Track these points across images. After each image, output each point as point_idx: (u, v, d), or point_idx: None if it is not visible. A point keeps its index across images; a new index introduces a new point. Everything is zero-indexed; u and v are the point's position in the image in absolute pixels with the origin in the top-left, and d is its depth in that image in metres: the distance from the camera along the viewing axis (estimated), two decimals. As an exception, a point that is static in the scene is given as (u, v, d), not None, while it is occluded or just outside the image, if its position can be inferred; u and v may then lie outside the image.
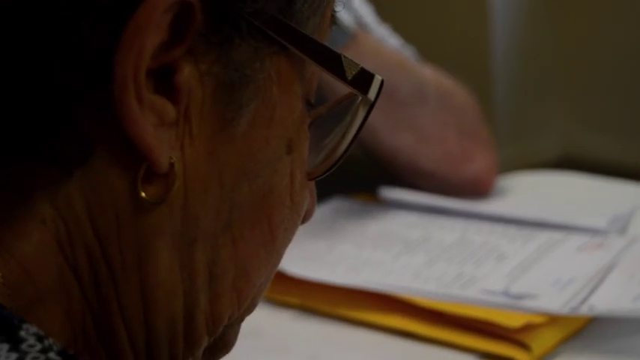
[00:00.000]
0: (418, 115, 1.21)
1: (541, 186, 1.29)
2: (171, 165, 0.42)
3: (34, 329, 0.41)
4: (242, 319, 0.50)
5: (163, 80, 0.42)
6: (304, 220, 0.51)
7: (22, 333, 0.40)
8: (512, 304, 0.88)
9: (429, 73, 1.25)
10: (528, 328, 0.85)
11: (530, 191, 1.25)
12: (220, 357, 0.51)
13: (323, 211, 1.09)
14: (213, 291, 0.46)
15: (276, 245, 0.48)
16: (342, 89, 0.47)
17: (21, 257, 0.43)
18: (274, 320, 0.92)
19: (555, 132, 3.79)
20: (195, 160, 0.43)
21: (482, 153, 1.24)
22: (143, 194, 0.42)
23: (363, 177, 1.27)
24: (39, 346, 0.40)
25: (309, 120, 0.48)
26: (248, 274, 0.47)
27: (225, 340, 0.50)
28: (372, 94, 0.47)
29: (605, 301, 0.87)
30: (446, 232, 1.07)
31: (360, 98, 0.47)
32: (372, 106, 0.47)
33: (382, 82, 0.47)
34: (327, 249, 1.02)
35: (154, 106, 0.41)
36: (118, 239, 0.43)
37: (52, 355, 0.40)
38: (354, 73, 0.46)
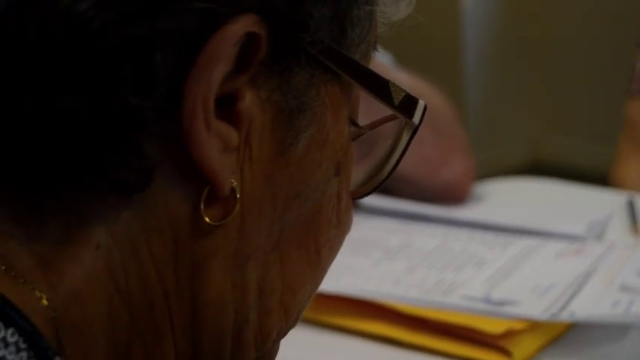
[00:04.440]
0: None
1: (518, 192, 1.31)
2: (232, 189, 0.43)
3: None
4: (286, 333, 0.50)
5: (225, 107, 0.43)
6: None
7: None
8: (493, 311, 0.88)
9: (404, 77, 1.26)
10: (509, 334, 0.85)
11: (507, 198, 1.26)
12: None
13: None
14: (263, 307, 0.47)
15: (321, 264, 0.49)
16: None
17: (70, 281, 0.43)
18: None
19: (524, 138, 3.82)
20: (252, 184, 0.44)
21: (459, 157, 1.25)
22: (207, 219, 0.43)
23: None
24: None
25: (353, 137, 0.49)
26: (294, 291, 0.48)
27: (269, 356, 0.51)
28: (416, 118, 0.48)
29: (585, 307, 0.88)
30: (425, 238, 1.08)
31: (405, 122, 0.49)
32: (416, 129, 0.49)
33: (425, 107, 0.48)
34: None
35: (219, 133, 0.42)
36: (174, 261, 0.44)
37: None
38: (400, 98, 0.47)
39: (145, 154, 0.42)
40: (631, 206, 1.17)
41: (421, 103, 0.48)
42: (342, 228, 0.50)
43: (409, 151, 1.31)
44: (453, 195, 1.24)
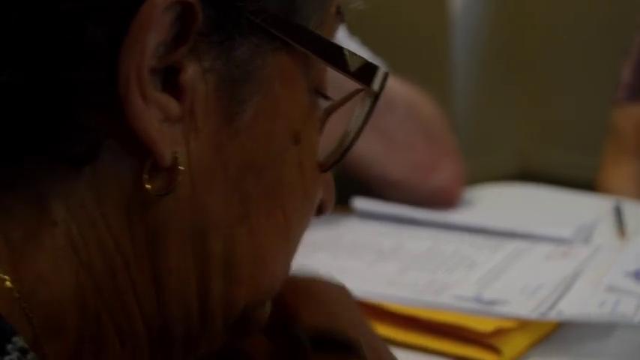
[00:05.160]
0: (387, 123, 1.23)
1: (507, 197, 1.33)
2: (175, 159, 0.44)
3: (21, 343, 0.42)
4: (264, 302, 0.51)
5: (169, 79, 0.44)
6: (321, 212, 0.53)
7: (9, 346, 0.42)
8: (483, 310, 0.91)
9: (397, 83, 1.28)
10: (499, 332, 0.87)
11: (497, 202, 1.29)
12: (253, 335, 0.53)
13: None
14: (230, 279, 0.48)
15: (291, 235, 0.50)
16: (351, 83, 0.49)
17: (34, 261, 0.44)
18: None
19: (512, 146, 3.84)
20: (200, 154, 0.45)
21: (449, 163, 1.27)
22: (148, 186, 0.44)
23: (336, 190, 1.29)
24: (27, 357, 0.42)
25: (326, 114, 0.50)
26: (265, 263, 0.49)
27: (255, 321, 0.52)
28: (375, 85, 0.48)
29: (573, 306, 0.91)
30: (417, 241, 1.10)
31: (365, 90, 0.49)
32: (377, 97, 0.49)
33: (386, 74, 0.48)
34: (303, 257, 1.04)
35: (158, 103, 0.43)
36: (130, 232, 0.45)
37: None
38: (357, 65, 0.47)
39: (88, 126, 0.43)
40: (617, 211, 1.20)
41: (381, 71, 0.48)
42: (308, 199, 0.50)
43: (400, 158, 1.33)
44: (444, 200, 1.26)
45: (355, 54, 0.47)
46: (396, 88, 1.26)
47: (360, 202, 1.21)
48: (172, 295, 0.46)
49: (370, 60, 0.48)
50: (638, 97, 1.63)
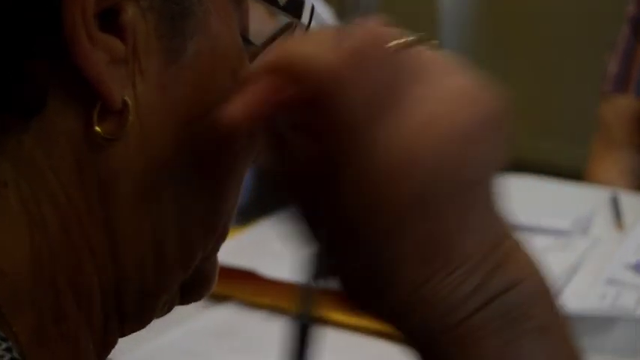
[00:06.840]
0: None
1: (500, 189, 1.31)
2: (124, 101, 0.43)
3: None
4: (217, 250, 0.50)
5: (108, 22, 0.43)
6: None
7: None
8: (482, 304, 0.89)
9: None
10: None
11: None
12: (205, 294, 0.51)
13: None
14: (183, 225, 0.46)
15: (237, 174, 0.49)
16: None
17: None
18: (246, 320, 0.93)
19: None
20: (147, 95, 0.44)
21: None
22: (98, 129, 0.42)
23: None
24: (4, 345, 0.40)
25: (249, 56, 0.49)
26: (217, 207, 0.48)
27: (205, 275, 0.50)
28: (305, 18, 0.49)
29: (574, 300, 0.89)
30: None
31: (295, 24, 0.49)
32: (306, 29, 0.49)
33: (313, 7, 0.49)
34: (295, 251, 1.02)
35: (104, 44, 0.42)
36: (81, 183, 0.43)
37: (15, 354, 0.41)
38: (285, 0, 0.48)
39: (33, 75, 0.42)
40: (615, 202, 1.18)
41: (308, 3, 0.49)
42: (250, 142, 0.49)
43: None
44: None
45: None
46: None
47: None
48: (126, 245, 0.45)
49: None
50: (624, 88, 1.61)
